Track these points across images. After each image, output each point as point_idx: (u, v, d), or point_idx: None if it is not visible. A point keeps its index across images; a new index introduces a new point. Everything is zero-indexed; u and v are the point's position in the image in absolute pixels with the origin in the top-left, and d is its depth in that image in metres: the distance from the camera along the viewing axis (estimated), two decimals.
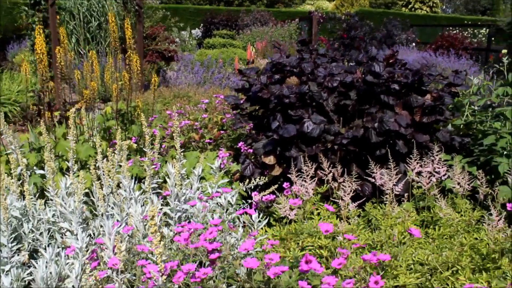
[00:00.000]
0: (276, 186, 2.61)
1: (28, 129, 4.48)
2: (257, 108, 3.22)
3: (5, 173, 2.59)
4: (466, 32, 15.30)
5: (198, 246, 1.42)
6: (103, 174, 2.34)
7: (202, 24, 16.47)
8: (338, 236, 2.17)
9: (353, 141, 2.70)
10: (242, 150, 2.97)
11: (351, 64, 3.33)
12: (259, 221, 2.21)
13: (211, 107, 3.90)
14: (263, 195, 2.54)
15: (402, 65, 3.15)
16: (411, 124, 2.78)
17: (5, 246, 1.70)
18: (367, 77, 2.77)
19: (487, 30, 14.27)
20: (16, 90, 6.33)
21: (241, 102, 3.20)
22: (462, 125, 3.22)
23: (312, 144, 2.78)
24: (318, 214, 2.61)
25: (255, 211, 2.25)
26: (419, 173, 2.61)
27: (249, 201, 2.59)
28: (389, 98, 2.76)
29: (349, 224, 2.41)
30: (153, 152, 2.57)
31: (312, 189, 2.40)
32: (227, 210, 2.30)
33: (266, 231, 2.47)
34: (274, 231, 2.43)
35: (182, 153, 2.45)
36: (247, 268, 1.46)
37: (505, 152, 2.68)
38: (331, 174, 2.58)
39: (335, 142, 2.72)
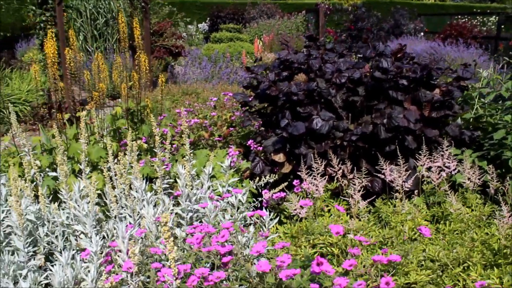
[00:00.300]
0: (286, 183, 2.62)
1: (39, 129, 4.53)
2: (265, 105, 3.23)
3: (19, 175, 2.63)
4: (475, 20, 15.14)
5: (211, 250, 1.44)
6: (115, 175, 2.36)
7: (208, 18, 16.45)
8: (349, 233, 2.18)
9: (362, 138, 2.70)
10: (251, 148, 2.98)
11: (359, 55, 3.32)
12: (271, 219, 2.23)
13: (220, 104, 3.91)
14: (274, 193, 2.56)
15: (411, 59, 3.14)
16: (420, 119, 2.77)
17: (21, 250, 1.74)
18: (375, 73, 2.76)
19: (497, 18, 14.10)
20: (26, 90, 6.38)
21: (250, 99, 3.20)
22: (471, 119, 3.20)
23: (321, 141, 2.78)
24: (329, 211, 2.62)
25: (266, 210, 2.26)
26: (429, 168, 2.61)
27: (260, 198, 2.61)
28: (398, 93, 2.76)
29: (360, 220, 2.42)
30: (164, 152, 2.60)
31: (322, 187, 2.41)
32: (238, 208, 2.31)
33: (277, 228, 2.49)
34: (285, 229, 2.44)
35: (192, 152, 2.47)
36: None
37: None
38: (341, 170, 2.58)
39: (344, 138, 2.72)
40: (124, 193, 2.12)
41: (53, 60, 2.43)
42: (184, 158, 2.86)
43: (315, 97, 2.88)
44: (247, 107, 3.29)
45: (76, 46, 2.74)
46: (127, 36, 3.00)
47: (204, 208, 2.08)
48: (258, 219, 2.24)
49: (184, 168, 2.17)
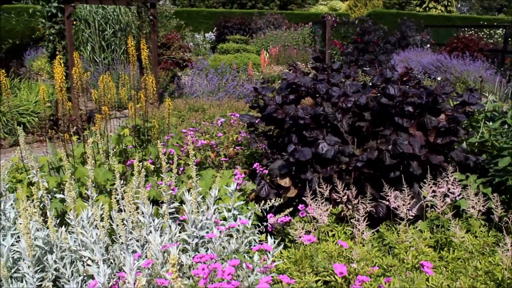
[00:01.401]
0: (291, 208, 2.64)
1: (46, 141, 4.58)
2: (272, 128, 3.26)
3: (26, 196, 2.66)
4: (482, 33, 15.14)
5: (217, 287, 1.47)
6: (122, 199, 2.39)
7: (215, 28, 16.56)
8: (352, 262, 2.20)
9: (367, 163, 2.72)
10: (257, 171, 3.01)
11: (365, 69, 3.34)
12: (278, 244, 2.25)
13: (227, 123, 3.94)
14: (279, 218, 2.58)
15: (417, 83, 3.16)
16: (425, 145, 2.78)
17: (30, 278, 1.76)
18: (382, 99, 2.78)
19: (503, 30, 14.09)
20: (34, 101, 6.44)
21: (256, 121, 3.23)
22: (477, 143, 3.21)
23: (327, 165, 2.80)
24: (333, 236, 2.64)
25: (271, 236, 2.28)
26: (433, 195, 2.62)
27: (265, 223, 2.63)
28: (403, 120, 2.77)
29: (363, 245, 2.43)
30: (170, 174, 2.63)
31: (327, 215, 2.43)
32: (243, 232, 2.34)
33: (281, 252, 2.50)
34: (289, 253, 2.46)
35: (198, 172, 2.49)
36: None
37: None
38: (346, 196, 2.60)
39: (350, 164, 2.74)
40: (131, 220, 2.14)
41: (61, 85, 2.47)
42: (190, 180, 2.89)
43: (321, 121, 2.90)
44: (253, 128, 3.32)
45: (80, 67, 2.78)
46: (136, 60, 3.04)
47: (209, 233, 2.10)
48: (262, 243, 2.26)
49: (191, 195, 2.20)
